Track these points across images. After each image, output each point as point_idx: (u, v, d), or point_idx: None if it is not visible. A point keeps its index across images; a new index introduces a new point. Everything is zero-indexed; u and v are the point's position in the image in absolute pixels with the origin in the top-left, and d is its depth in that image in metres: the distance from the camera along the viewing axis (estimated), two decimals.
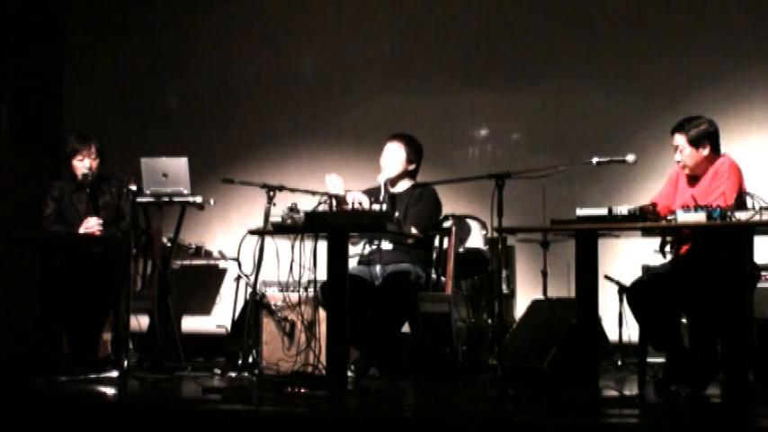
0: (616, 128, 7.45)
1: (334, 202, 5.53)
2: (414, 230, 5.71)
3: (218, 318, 7.58)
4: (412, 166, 6.09)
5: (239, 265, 6.16)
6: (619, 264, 6.58)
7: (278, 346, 6.20)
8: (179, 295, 7.01)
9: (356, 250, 6.01)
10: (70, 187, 6.20)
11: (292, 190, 5.86)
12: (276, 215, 5.35)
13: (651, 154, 6.79)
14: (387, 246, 5.92)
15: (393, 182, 6.07)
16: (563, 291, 6.76)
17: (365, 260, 5.95)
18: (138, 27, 8.67)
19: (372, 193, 5.94)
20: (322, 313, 5.77)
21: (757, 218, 4.57)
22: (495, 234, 5.74)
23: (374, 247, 5.94)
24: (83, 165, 6.13)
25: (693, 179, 5.25)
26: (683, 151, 5.22)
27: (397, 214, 5.78)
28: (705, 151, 5.19)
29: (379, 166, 6.12)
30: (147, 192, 6.21)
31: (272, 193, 5.81)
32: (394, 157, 6.07)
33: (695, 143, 5.19)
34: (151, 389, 5.19)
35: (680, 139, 5.23)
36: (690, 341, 5.17)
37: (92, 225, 6.04)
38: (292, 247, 5.52)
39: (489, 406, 4.73)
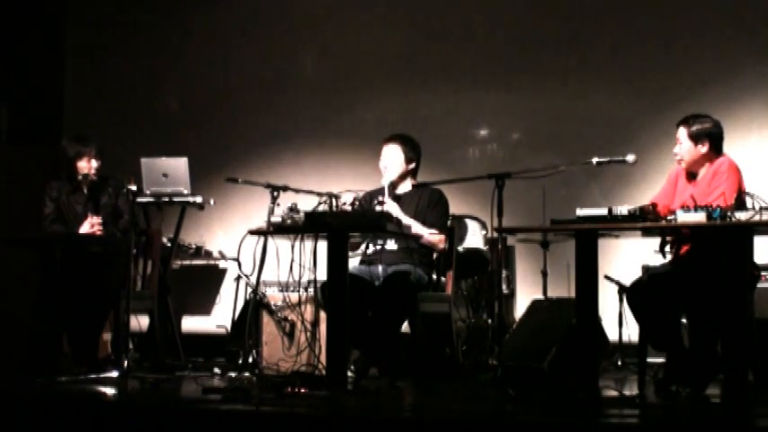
0: (616, 128, 7.45)
1: (333, 202, 5.51)
2: (440, 235, 5.81)
3: (218, 318, 7.58)
4: (412, 166, 6.06)
5: (239, 265, 6.15)
6: (619, 264, 6.58)
7: (278, 346, 6.19)
8: (179, 295, 7.01)
9: (356, 252, 6.00)
10: (68, 188, 6.19)
11: (296, 190, 5.86)
12: (276, 215, 5.36)
13: (651, 154, 6.79)
14: (391, 246, 5.90)
15: (396, 184, 6.03)
16: (563, 291, 6.75)
17: (368, 259, 5.94)
18: (138, 27, 8.66)
19: (375, 195, 5.93)
20: (322, 313, 5.76)
21: (757, 218, 4.56)
22: (495, 234, 5.74)
23: (378, 246, 5.92)
24: (88, 166, 6.13)
25: (692, 177, 5.26)
26: (682, 145, 5.25)
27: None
28: (703, 149, 5.20)
29: (379, 167, 6.10)
30: (147, 192, 6.22)
31: (276, 194, 5.81)
32: (393, 159, 6.01)
33: (694, 138, 5.21)
34: (151, 389, 5.18)
35: (681, 132, 5.26)
36: (690, 341, 5.17)
37: (92, 225, 6.04)
38: (292, 247, 5.52)
39: (489, 406, 4.73)
